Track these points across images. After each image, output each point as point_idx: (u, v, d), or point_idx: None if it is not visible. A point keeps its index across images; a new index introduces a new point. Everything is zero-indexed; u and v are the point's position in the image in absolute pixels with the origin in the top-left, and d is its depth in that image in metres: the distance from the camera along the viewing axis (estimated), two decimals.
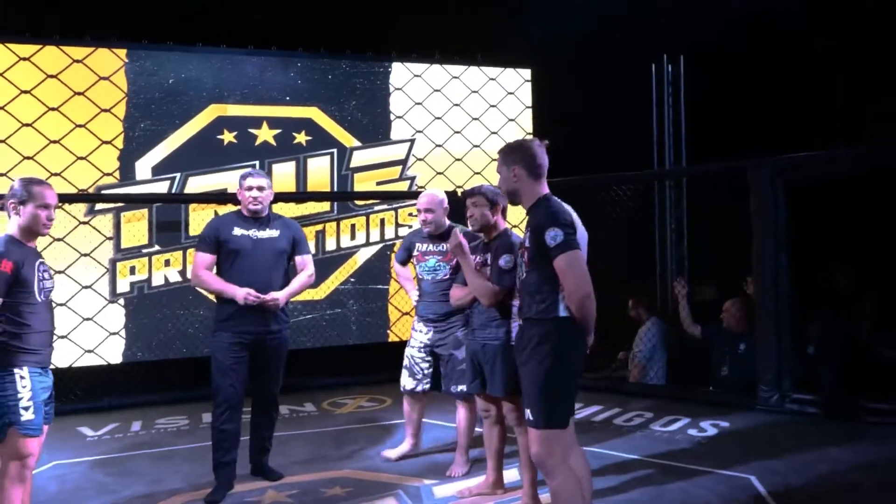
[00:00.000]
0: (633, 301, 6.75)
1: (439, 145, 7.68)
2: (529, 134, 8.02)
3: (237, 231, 3.95)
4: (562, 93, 7.55)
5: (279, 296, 3.91)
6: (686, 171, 6.77)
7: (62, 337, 6.27)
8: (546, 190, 2.93)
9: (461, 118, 7.78)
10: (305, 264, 4.13)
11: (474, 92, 7.84)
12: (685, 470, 4.15)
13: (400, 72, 7.56)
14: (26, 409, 2.91)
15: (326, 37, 7.26)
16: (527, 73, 8.06)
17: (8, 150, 6.29)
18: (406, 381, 4.44)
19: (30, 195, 3.04)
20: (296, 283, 4.05)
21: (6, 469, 2.93)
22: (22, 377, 2.92)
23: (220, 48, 6.94)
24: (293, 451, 4.72)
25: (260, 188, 3.97)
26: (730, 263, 6.25)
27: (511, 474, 3.98)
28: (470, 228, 3.75)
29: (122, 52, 6.62)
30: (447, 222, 4.35)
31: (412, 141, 7.58)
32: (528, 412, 2.80)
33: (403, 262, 4.51)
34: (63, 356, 6.26)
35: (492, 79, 7.92)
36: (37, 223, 3.04)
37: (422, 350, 4.38)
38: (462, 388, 4.12)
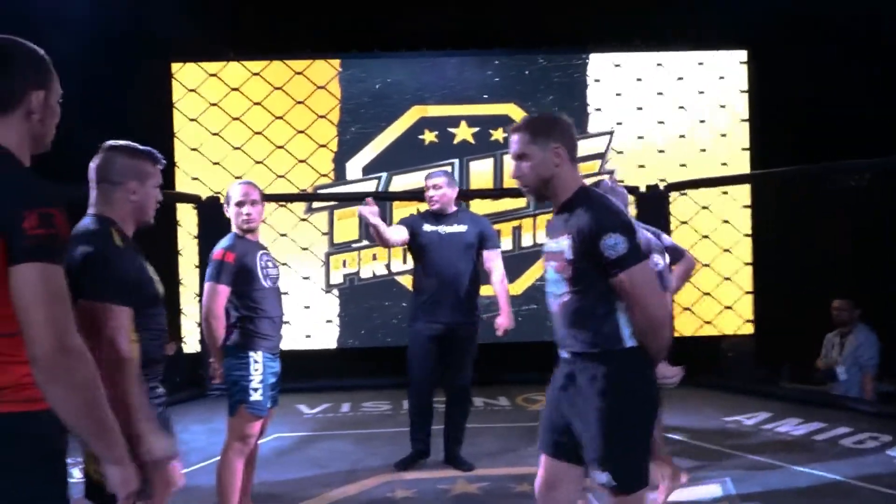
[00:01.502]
0: (846, 303, 5.95)
1: (640, 137, 7.35)
2: (745, 121, 7.39)
3: (426, 227, 4.19)
4: (783, 74, 6.85)
5: (505, 322, 4.16)
6: None
7: (285, 323, 6.92)
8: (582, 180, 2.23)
9: (665, 108, 7.37)
10: (493, 259, 4.23)
11: (680, 79, 7.39)
12: None
13: (598, 62, 7.34)
14: (255, 390, 3.19)
15: (523, 32, 7.27)
16: (742, 54, 7.42)
17: (242, 156, 7.09)
18: None
19: (227, 197, 3.35)
20: (507, 302, 4.21)
21: (231, 443, 3.25)
22: (255, 360, 3.20)
23: (421, 51, 7.24)
24: (485, 443, 4.78)
25: (436, 187, 4.15)
26: None
27: None
28: None
29: (336, 62, 7.17)
30: None
31: (611, 133, 7.33)
32: (605, 476, 2.10)
33: None
34: (285, 340, 6.89)
35: (700, 63, 7.40)
36: (237, 220, 3.30)
37: None
38: None
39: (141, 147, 2.22)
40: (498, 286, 4.23)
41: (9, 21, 1.63)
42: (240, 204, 3.28)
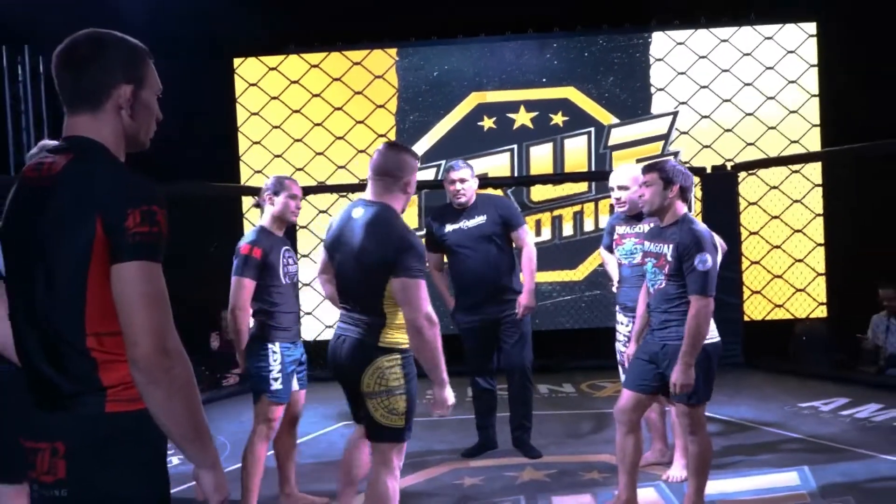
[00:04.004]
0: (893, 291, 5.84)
1: (706, 116, 7.14)
2: (814, 97, 7.09)
3: (449, 227, 4.14)
4: (854, 47, 6.54)
5: (524, 299, 4.11)
6: None
7: (308, 313, 6.98)
8: None
9: (731, 85, 7.14)
10: (521, 238, 4.16)
11: (746, 55, 7.13)
12: None
13: (661, 41, 7.15)
14: (276, 379, 3.29)
15: (582, 14, 7.13)
16: (811, 26, 7.12)
17: (304, 147, 7.19)
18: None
19: (282, 186, 3.43)
20: (529, 279, 4.15)
21: (256, 428, 3.37)
22: (274, 352, 3.27)
23: (479, 37, 7.19)
24: (551, 430, 4.75)
25: (462, 180, 4.07)
26: None
27: (646, 493, 3.55)
28: (644, 211, 3.28)
29: (394, 52, 7.19)
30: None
31: (675, 114, 7.14)
32: None
33: (609, 248, 4.10)
34: (309, 330, 6.97)
35: (768, 38, 7.13)
36: (287, 211, 3.41)
37: (626, 344, 3.84)
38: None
39: (407, 146, 2.73)
40: (524, 263, 4.15)
41: (76, 24, 1.62)
42: (294, 197, 3.41)
